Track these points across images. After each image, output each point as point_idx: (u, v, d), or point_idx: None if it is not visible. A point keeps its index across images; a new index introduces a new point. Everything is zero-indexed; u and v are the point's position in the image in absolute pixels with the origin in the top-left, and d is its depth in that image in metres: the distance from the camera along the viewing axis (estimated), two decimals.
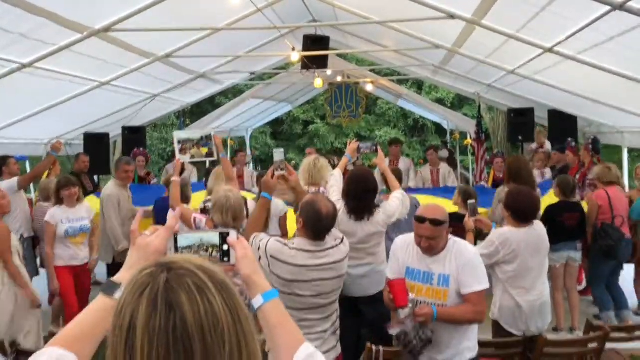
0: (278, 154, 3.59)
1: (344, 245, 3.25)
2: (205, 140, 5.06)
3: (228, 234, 1.49)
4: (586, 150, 7.50)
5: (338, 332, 3.29)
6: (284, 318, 1.41)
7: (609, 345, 3.91)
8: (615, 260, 5.88)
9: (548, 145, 9.19)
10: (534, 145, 9.46)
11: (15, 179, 6.23)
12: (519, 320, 3.95)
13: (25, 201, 6.56)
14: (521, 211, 3.96)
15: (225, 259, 1.47)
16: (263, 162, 22.20)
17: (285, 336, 1.38)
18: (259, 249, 3.11)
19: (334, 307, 3.24)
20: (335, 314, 3.27)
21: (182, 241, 1.48)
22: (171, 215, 1.51)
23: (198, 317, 0.92)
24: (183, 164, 5.72)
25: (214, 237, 1.49)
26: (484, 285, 3.07)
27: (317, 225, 3.08)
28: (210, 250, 1.48)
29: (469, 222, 4.25)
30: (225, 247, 1.48)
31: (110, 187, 6.24)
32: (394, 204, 4.18)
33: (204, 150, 5.07)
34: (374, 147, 4.65)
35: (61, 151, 6.88)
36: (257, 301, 1.41)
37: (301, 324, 3.10)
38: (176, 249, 1.47)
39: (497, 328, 4.03)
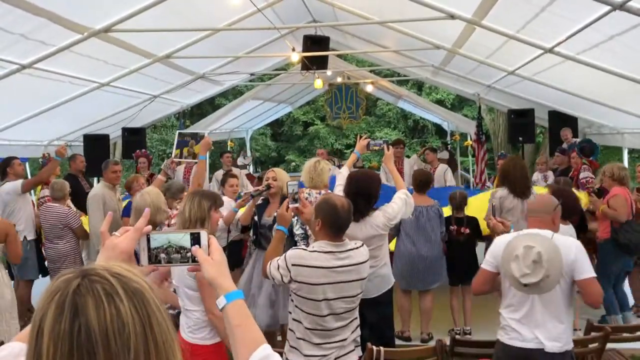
0: (292, 186, 3.59)
1: (364, 248, 3.25)
2: (199, 138, 5.00)
3: (199, 234, 1.50)
4: (574, 154, 7.58)
5: (358, 338, 3.29)
6: (246, 319, 1.45)
7: (610, 346, 3.90)
8: (633, 257, 5.80)
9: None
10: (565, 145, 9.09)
11: (19, 182, 6.21)
12: None
13: (30, 203, 6.54)
14: (569, 208, 4.07)
15: (196, 259, 1.49)
16: (263, 163, 22.18)
17: (245, 336, 1.42)
18: (278, 268, 3.09)
19: (355, 313, 3.23)
20: (355, 322, 3.25)
21: (154, 241, 1.49)
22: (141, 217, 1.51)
23: (103, 323, 0.93)
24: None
25: (182, 237, 1.50)
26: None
27: (335, 218, 3.07)
28: (182, 251, 1.49)
29: (498, 225, 4.26)
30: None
31: (97, 188, 6.20)
32: (396, 205, 4.15)
33: (197, 148, 5.00)
34: (383, 145, 4.63)
35: (65, 155, 6.84)
36: (221, 302, 1.45)
37: (323, 333, 3.07)
38: (149, 249, 1.48)
39: None
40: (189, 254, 1.49)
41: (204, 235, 1.50)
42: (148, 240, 1.48)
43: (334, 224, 3.09)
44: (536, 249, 3.14)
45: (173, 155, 5.06)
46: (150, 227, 1.49)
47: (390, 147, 4.67)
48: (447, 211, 5.93)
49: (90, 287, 0.96)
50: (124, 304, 0.96)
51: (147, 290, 1.01)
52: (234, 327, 1.43)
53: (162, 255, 1.48)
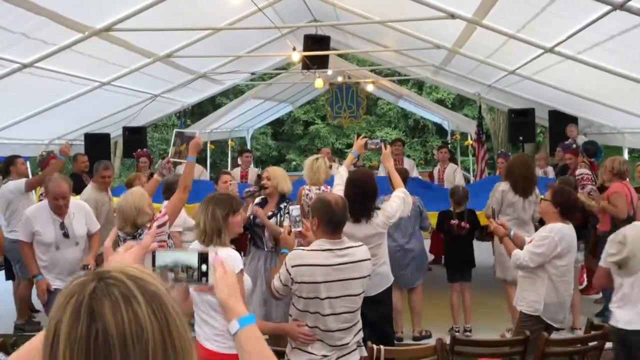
0: (295, 210, 3.59)
1: (364, 247, 3.26)
2: (186, 138, 4.94)
3: (207, 254, 1.47)
4: (569, 153, 7.62)
5: (361, 340, 3.29)
6: (260, 344, 1.42)
7: (609, 344, 3.91)
8: None
9: (580, 140, 8.70)
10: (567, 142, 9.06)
11: (23, 180, 6.19)
12: (559, 314, 4.11)
13: (32, 202, 6.51)
14: (571, 207, 4.12)
15: (203, 279, 1.45)
16: (264, 162, 22.19)
17: None
18: (279, 277, 3.11)
19: (357, 316, 3.23)
20: (358, 325, 3.25)
21: (159, 260, 1.46)
22: (146, 234, 1.49)
23: (121, 327, 0.91)
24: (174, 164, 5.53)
25: (191, 257, 1.47)
26: None
27: (330, 215, 3.09)
28: (189, 271, 1.46)
29: (499, 228, 4.30)
30: (204, 268, 1.46)
31: (87, 191, 6.02)
32: (394, 203, 4.17)
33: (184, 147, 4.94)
34: (381, 144, 4.61)
35: (68, 154, 6.79)
36: (233, 326, 1.42)
37: (325, 335, 3.06)
38: (153, 266, 1.45)
39: (536, 321, 4.08)
40: (195, 274, 1.45)
41: (211, 256, 1.48)
42: (153, 257, 1.45)
43: (330, 220, 3.10)
44: (622, 232, 3.58)
45: (170, 155, 5.01)
46: (156, 244, 1.47)
47: (388, 145, 4.66)
48: None
49: (106, 290, 0.93)
50: (142, 308, 0.93)
51: (165, 294, 0.98)
52: (248, 353, 1.40)
53: (169, 274, 1.45)
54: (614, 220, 5.75)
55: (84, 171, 7.73)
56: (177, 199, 4.09)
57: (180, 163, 6.60)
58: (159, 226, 3.87)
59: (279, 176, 4.87)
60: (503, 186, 5.52)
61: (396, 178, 4.41)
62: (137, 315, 0.92)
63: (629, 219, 5.64)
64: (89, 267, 4.60)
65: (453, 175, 8.90)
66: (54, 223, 4.57)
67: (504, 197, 5.45)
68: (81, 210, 4.86)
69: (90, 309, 0.91)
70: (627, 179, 5.96)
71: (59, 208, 4.50)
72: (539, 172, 8.47)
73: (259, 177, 5.89)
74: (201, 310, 3.12)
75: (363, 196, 4.08)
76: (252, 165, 10.02)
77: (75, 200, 4.97)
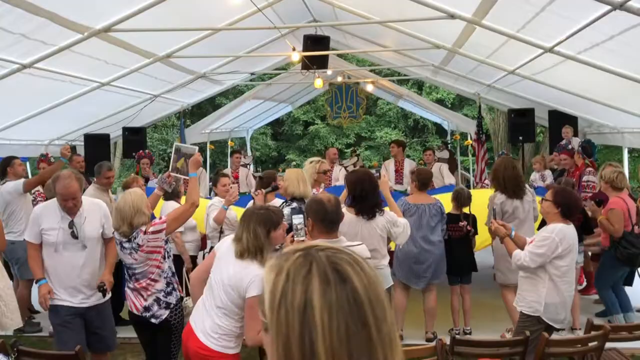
0: (297, 219, 3.58)
1: (363, 247, 3.33)
2: (182, 154, 4.89)
3: None
4: (578, 154, 7.56)
5: None
6: None
7: (610, 345, 3.91)
8: (634, 268, 5.82)
9: (575, 142, 8.70)
10: (563, 142, 8.88)
11: (21, 181, 6.16)
12: (560, 314, 4.12)
13: (30, 203, 6.51)
14: (572, 207, 4.12)
15: None
16: (263, 162, 22.21)
17: None
18: None
19: None
20: None
21: None
22: None
23: (365, 287, 0.96)
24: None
25: None
26: None
27: (324, 213, 3.15)
28: None
29: (500, 228, 4.32)
30: None
31: (90, 192, 5.82)
32: (400, 222, 4.40)
33: (180, 163, 4.91)
34: (377, 175, 4.89)
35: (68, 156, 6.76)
36: None
37: None
38: None
39: (536, 321, 4.08)
40: None
41: None
42: None
43: (324, 218, 3.17)
44: None
45: (170, 169, 4.95)
46: None
47: (385, 174, 4.86)
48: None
49: (338, 257, 0.99)
50: (370, 272, 0.99)
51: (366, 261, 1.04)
52: None
53: None
54: (613, 237, 5.72)
55: (80, 171, 7.71)
56: (184, 209, 4.05)
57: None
58: (155, 232, 3.83)
59: (289, 178, 4.93)
60: (498, 198, 5.39)
61: (394, 207, 4.60)
62: (372, 278, 0.98)
63: (626, 235, 5.63)
64: (105, 286, 4.12)
65: (440, 173, 8.89)
66: (62, 220, 4.11)
67: (503, 208, 5.36)
68: (97, 210, 4.32)
69: (337, 273, 0.96)
70: (625, 189, 5.87)
71: (70, 208, 4.11)
72: (536, 176, 8.47)
73: (261, 178, 5.94)
74: (215, 304, 3.13)
75: (362, 192, 4.25)
76: (251, 166, 10.01)
77: (91, 199, 4.48)
